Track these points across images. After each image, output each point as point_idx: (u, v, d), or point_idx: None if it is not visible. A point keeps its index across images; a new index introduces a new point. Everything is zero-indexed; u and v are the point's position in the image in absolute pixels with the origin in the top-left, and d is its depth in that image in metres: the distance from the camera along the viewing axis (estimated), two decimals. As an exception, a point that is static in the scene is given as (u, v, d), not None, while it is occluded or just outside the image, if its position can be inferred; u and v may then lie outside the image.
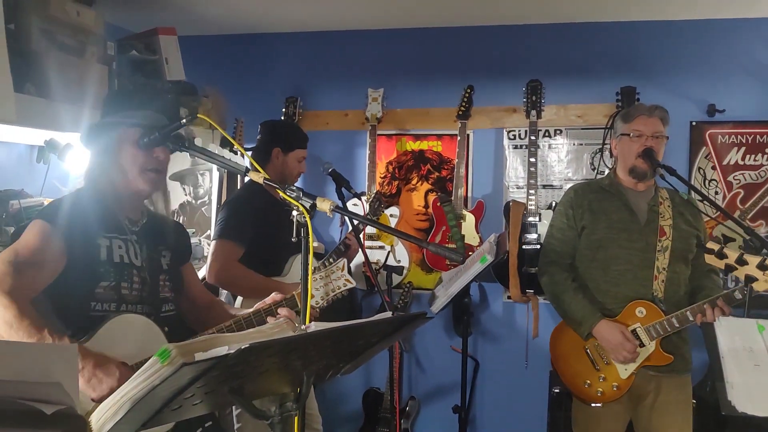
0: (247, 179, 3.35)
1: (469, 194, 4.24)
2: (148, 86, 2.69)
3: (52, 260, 1.92)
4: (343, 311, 3.40)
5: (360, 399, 4.18)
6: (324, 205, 1.72)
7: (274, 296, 2.12)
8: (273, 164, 3.22)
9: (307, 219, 1.69)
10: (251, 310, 2.11)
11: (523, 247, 3.81)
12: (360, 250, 2.93)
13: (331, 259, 3.24)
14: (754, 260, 1.76)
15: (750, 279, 1.78)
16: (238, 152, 3.68)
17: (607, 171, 3.89)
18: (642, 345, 2.74)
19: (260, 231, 3.02)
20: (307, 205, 1.70)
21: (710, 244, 1.87)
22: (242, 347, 1.11)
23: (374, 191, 3.98)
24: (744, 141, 3.90)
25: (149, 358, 1.85)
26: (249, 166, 1.87)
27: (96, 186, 2.06)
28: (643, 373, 2.78)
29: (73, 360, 1.03)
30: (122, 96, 2.16)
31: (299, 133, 3.35)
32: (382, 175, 4.36)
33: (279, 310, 2.07)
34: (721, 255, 1.84)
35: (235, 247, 2.98)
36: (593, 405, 2.83)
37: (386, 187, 4.35)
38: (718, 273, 2.84)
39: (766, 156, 3.87)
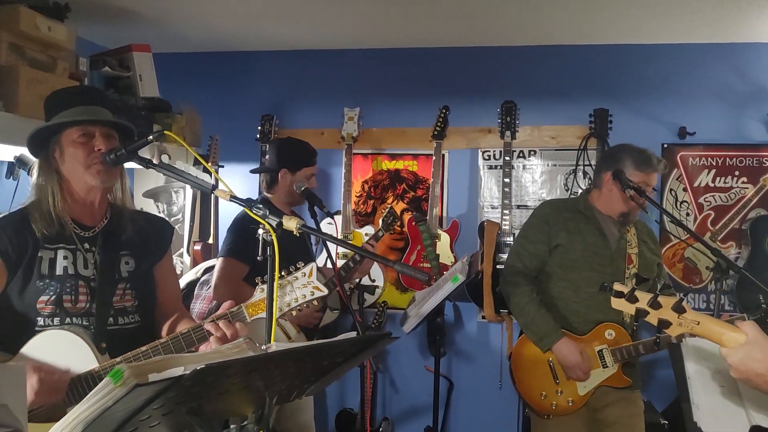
0: (258, 197, 3.38)
1: (444, 214, 4.25)
2: (76, 88, 2.52)
3: None
4: (314, 331, 3.36)
5: (333, 420, 4.14)
6: (291, 224, 1.71)
7: (224, 307, 2.00)
8: (281, 185, 3.20)
9: (273, 237, 1.68)
10: (192, 325, 1.99)
11: (498, 266, 3.82)
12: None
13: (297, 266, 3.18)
14: (668, 302, 1.55)
15: (664, 323, 1.54)
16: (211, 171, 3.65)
17: (580, 192, 3.93)
18: (605, 366, 2.79)
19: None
20: (273, 224, 1.69)
21: (618, 286, 1.64)
22: (198, 368, 1.09)
23: (389, 209, 3.72)
24: (714, 163, 3.96)
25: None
26: (215, 184, 1.85)
27: (40, 197, 2.03)
28: (600, 388, 2.84)
29: (21, 381, 1.00)
30: (52, 100, 2.09)
31: (306, 151, 3.29)
32: (358, 194, 4.35)
33: (220, 324, 1.94)
34: (632, 299, 1.59)
35: (238, 264, 2.95)
36: (545, 417, 2.88)
37: (361, 206, 4.34)
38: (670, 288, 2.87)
39: (735, 178, 3.93)
